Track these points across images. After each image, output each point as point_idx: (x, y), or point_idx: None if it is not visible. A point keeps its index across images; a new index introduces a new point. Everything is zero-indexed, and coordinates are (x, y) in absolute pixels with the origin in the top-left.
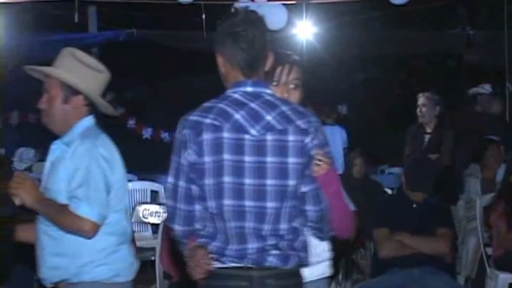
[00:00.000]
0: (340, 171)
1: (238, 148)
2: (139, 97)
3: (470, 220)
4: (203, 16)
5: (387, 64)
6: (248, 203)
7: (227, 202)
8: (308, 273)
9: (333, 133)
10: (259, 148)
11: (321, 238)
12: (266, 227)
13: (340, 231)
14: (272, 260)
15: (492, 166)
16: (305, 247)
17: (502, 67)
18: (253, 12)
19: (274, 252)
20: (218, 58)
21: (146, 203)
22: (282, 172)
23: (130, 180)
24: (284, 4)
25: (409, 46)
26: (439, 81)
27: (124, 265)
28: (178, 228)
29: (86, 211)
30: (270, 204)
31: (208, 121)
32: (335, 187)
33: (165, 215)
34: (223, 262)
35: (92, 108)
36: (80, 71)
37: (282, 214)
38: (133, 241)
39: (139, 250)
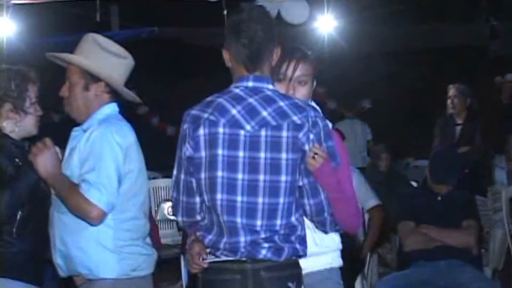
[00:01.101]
0: (363, 164)
1: (232, 143)
2: (162, 95)
3: (496, 212)
4: (225, 12)
5: (410, 58)
6: (240, 198)
7: (219, 196)
8: (312, 263)
9: (353, 127)
10: (253, 144)
11: (325, 232)
12: (259, 223)
13: (345, 225)
14: (265, 253)
15: None
16: (302, 240)
17: None
18: (259, 8)
19: (267, 244)
20: (224, 54)
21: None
22: (275, 168)
23: (154, 178)
24: None
25: (431, 40)
26: (464, 74)
27: (141, 259)
28: (180, 219)
29: (95, 196)
30: (262, 200)
31: (206, 115)
32: (331, 181)
33: None
34: (217, 256)
35: (114, 95)
36: (101, 57)
37: (277, 210)
38: (154, 234)
39: (164, 247)
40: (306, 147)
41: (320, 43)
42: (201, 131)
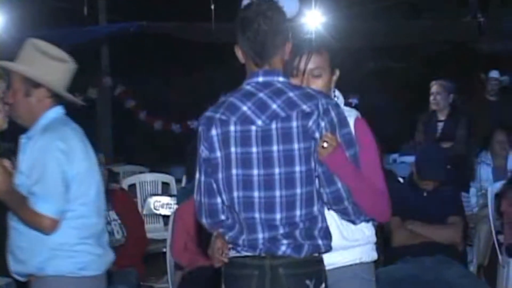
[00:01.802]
0: None
1: (244, 140)
2: (150, 89)
3: (481, 208)
4: (212, 7)
5: (398, 54)
6: (256, 193)
7: (236, 194)
8: (339, 258)
9: None
10: (265, 138)
11: (353, 222)
12: (279, 216)
13: (372, 214)
14: (284, 249)
15: (499, 153)
16: (325, 234)
17: None
18: (267, 2)
19: (286, 241)
20: (236, 50)
21: (157, 194)
22: (288, 159)
23: (141, 172)
24: None
25: (420, 36)
26: (451, 70)
27: (90, 258)
28: (204, 221)
29: (44, 208)
30: (279, 193)
31: (217, 116)
32: (345, 170)
33: (175, 206)
34: (238, 251)
35: (57, 99)
36: (40, 62)
37: (296, 201)
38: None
39: (150, 242)
40: (317, 135)
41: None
42: (214, 132)
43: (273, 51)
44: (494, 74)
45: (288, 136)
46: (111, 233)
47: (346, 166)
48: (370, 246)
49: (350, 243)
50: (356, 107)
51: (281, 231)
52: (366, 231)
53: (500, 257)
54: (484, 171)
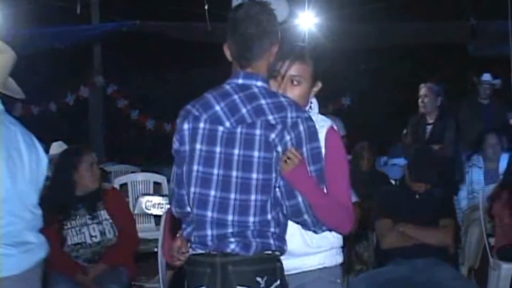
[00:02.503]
0: None
1: (211, 138)
2: (142, 89)
3: (473, 211)
4: (206, 7)
5: (391, 55)
6: (213, 192)
7: (193, 189)
8: (303, 263)
9: None
10: (229, 140)
11: (314, 232)
12: (230, 218)
13: (332, 226)
14: (233, 247)
15: (490, 156)
16: (279, 236)
17: (507, 57)
18: (259, 4)
19: (234, 239)
20: (225, 49)
21: (149, 194)
22: (247, 165)
23: (133, 172)
24: None
25: (413, 37)
26: (444, 72)
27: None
28: (173, 209)
29: None
30: (234, 196)
31: (193, 110)
32: (306, 187)
33: (167, 206)
34: (193, 249)
35: None
36: None
37: (250, 207)
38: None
39: (142, 241)
40: (279, 148)
41: (300, 39)
42: (186, 126)
43: (258, 54)
44: (487, 77)
45: (250, 143)
46: (102, 233)
47: (307, 182)
48: (334, 251)
49: (313, 250)
50: (348, 107)
51: (230, 230)
52: (330, 237)
53: (491, 259)
54: (476, 174)
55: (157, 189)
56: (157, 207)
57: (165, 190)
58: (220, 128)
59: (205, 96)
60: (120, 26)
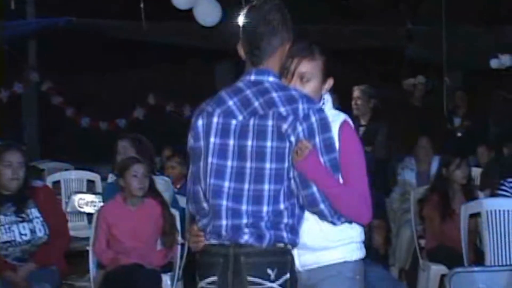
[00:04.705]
0: None
1: (224, 132)
2: (78, 86)
3: (404, 212)
4: (142, 6)
5: (331, 59)
6: (227, 183)
7: (209, 181)
8: (321, 258)
9: None
10: (242, 132)
11: (333, 223)
12: (245, 208)
13: (348, 216)
14: (247, 238)
15: (422, 158)
16: (291, 230)
17: (441, 61)
18: (268, 3)
19: (248, 230)
20: (239, 48)
21: (82, 192)
22: (260, 155)
23: (67, 169)
24: None
25: (350, 41)
26: (380, 75)
27: None
28: (190, 207)
29: None
30: (247, 186)
31: (207, 108)
32: (318, 176)
33: (100, 205)
34: (208, 239)
35: None
36: None
37: (263, 197)
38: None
39: (74, 240)
40: (292, 139)
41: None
42: (200, 122)
43: (268, 53)
44: (421, 79)
45: (263, 133)
46: (33, 231)
47: (319, 172)
48: (354, 245)
49: (333, 244)
50: None
51: (244, 220)
52: (350, 231)
53: (420, 261)
54: (408, 176)
55: (90, 187)
56: (90, 205)
57: (98, 188)
58: (233, 122)
59: (219, 93)
60: (56, 22)
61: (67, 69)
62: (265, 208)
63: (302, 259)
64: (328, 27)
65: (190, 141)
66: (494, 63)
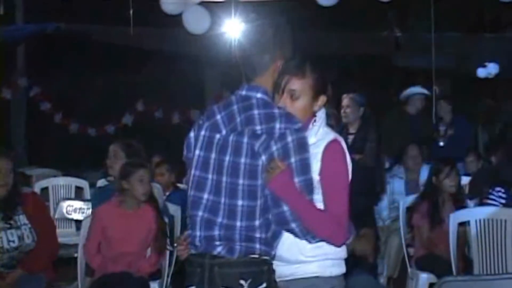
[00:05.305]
0: None
1: (208, 145)
2: (66, 92)
3: (393, 221)
4: (131, 12)
5: (318, 65)
6: (206, 196)
7: (191, 192)
8: (297, 271)
9: None
10: (223, 147)
11: (307, 241)
12: (220, 220)
13: (321, 237)
14: (219, 250)
15: (411, 167)
16: (266, 242)
17: (429, 69)
18: (261, 20)
19: (220, 242)
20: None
21: (70, 199)
22: (235, 170)
23: (55, 176)
24: (212, 2)
25: (338, 48)
26: (368, 83)
27: None
28: (187, 212)
29: None
30: (223, 200)
31: (199, 120)
32: (288, 197)
33: (89, 211)
34: (190, 249)
35: None
36: None
37: (237, 212)
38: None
39: (62, 247)
40: (263, 158)
41: (227, 48)
42: (192, 134)
43: (260, 69)
44: (418, 89)
45: (239, 150)
46: (21, 238)
47: (290, 192)
48: (329, 262)
49: (307, 259)
50: None
51: (217, 232)
52: (326, 248)
53: (409, 269)
54: (397, 185)
55: (78, 194)
56: (78, 212)
57: (87, 195)
58: (217, 136)
59: (213, 106)
60: (45, 27)
61: (55, 74)
62: (238, 223)
63: (278, 270)
64: (315, 33)
65: (184, 151)
66: (481, 73)
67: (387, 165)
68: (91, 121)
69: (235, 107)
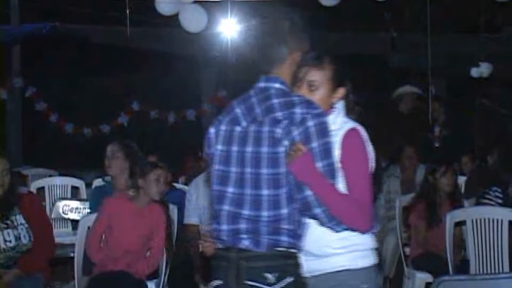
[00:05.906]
0: None
1: (229, 139)
2: (62, 92)
3: (390, 220)
4: (127, 12)
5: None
6: (231, 189)
7: (215, 187)
8: (325, 265)
9: None
10: (243, 139)
11: (332, 229)
12: (246, 213)
13: (347, 223)
14: (246, 243)
15: (408, 167)
16: (293, 233)
17: (425, 70)
18: (277, 12)
19: (246, 235)
20: None
21: (67, 199)
22: (257, 161)
23: (51, 176)
24: (208, 2)
25: (335, 47)
26: (363, 83)
27: None
28: (213, 206)
29: None
30: (249, 191)
31: (219, 116)
32: (310, 180)
33: (85, 211)
34: (216, 244)
35: None
36: None
37: (262, 202)
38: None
39: (58, 246)
40: (286, 142)
41: (223, 47)
42: (212, 130)
43: (277, 61)
44: (410, 88)
45: (260, 140)
46: (17, 238)
47: (312, 175)
48: (358, 253)
49: (335, 251)
50: None
51: (243, 225)
52: (354, 239)
53: (405, 269)
54: (393, 184)
55: (75, 194)
56: (75, 212)
57: (83, 195)
58: (237, 128)
59: (231, 101)
60: (40, 28)
61: (51, 74)
62: (265, 213)
63: (307, 265)
64: (311, 33)
65: (205, 148)
66: (474, 72)
67: (383, 165)
68: (86, 121)
69: (254, 99)
